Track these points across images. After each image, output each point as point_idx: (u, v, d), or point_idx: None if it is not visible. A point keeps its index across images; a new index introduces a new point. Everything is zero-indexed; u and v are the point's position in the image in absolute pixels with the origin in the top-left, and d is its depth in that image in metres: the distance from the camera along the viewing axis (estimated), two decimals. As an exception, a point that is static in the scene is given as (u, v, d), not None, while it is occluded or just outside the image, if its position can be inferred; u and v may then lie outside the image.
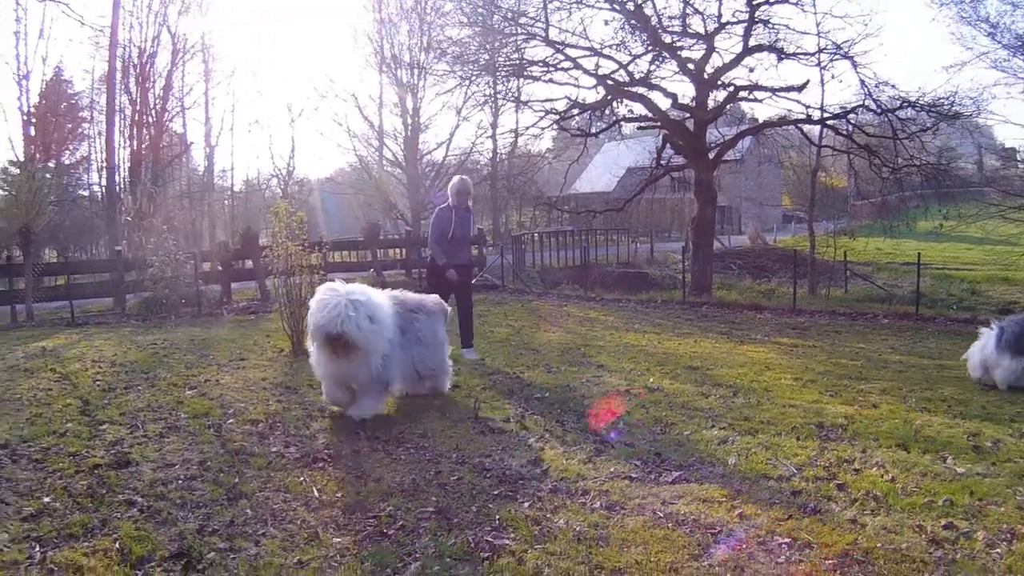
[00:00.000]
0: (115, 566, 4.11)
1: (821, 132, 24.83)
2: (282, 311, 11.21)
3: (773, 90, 23.18)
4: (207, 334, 13.42)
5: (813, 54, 22.98)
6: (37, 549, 4.29)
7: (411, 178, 43.14)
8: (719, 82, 23.84)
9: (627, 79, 24.27)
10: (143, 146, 37.17)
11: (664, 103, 24.64)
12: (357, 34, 72.22)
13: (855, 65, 22.12)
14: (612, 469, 5.83)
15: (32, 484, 5.30)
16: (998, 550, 4.35)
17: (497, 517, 4.89)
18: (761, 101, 24.37)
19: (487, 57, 26.22)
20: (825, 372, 10.13)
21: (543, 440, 6.66)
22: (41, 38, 35.09)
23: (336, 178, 55.01)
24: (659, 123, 24.89)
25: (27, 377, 9.27)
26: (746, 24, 22.79)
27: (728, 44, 23.88)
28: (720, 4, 23.16)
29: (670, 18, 23.80)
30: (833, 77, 29.17)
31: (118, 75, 35.56)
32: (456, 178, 11.16)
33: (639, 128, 29.44)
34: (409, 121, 43.58)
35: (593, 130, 26.49)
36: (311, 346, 7.39)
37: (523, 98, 30.91)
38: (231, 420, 7.13)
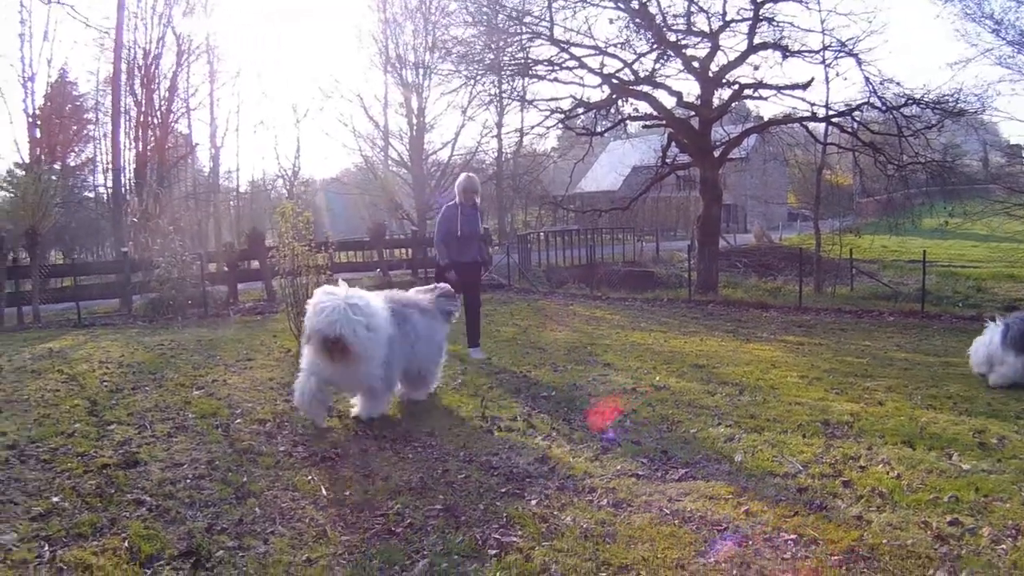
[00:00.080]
0: (124, 565, 4.13)
1: (826, 130, 24.82)
2: (289, 311, 11.23)
3: (778, 88, 23.19)
4: (214, 335, 13.44)
5: (818, 52, 22.99)
6: (46, 548, 4.30)
7: (416, 178, 43.16)
8: (724, 80, 23.85)
9: (632, 78, 24.28)
10: (148, 147, 37.19)
11: (669, 101, 24.68)
12: (362, 34, 72.10)
13: (859, 62, 22.14)
14: (619, 467, 5.85)
15: (41, 484, 5.31)
16: (1003, 546, 4.36)
17: (504, 514, 4.91)
18: (766, 99, 24.38)
19: (492, 56, 26.24)
20: (831, 370, 10.12)
21: (550, 438, 6.69)
22: (46, 40, 35.10)
23: (342, 178, 55.10)
24: (664, 122, 24.90)
25: (34, 378, 9.29)
26: (750, 22, 22.79)
27: (733, 42, 24.06)
28: (725, 2, 23.22)
29: (675, 16, 23.85)
30: (838, 75, 29.15)
31: (123, 77, 35.68)
32: (463, 175, 11.16)
33: (644, 127, 29.41)
34: (414, 121, 43.61)
35: (598, 129, 26.45)
36: (305, 349, 7.17)
37: (528, 97, 30.98)
38: (239, 420, 7.15)
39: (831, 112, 23.39)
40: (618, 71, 24.37)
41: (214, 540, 4.49)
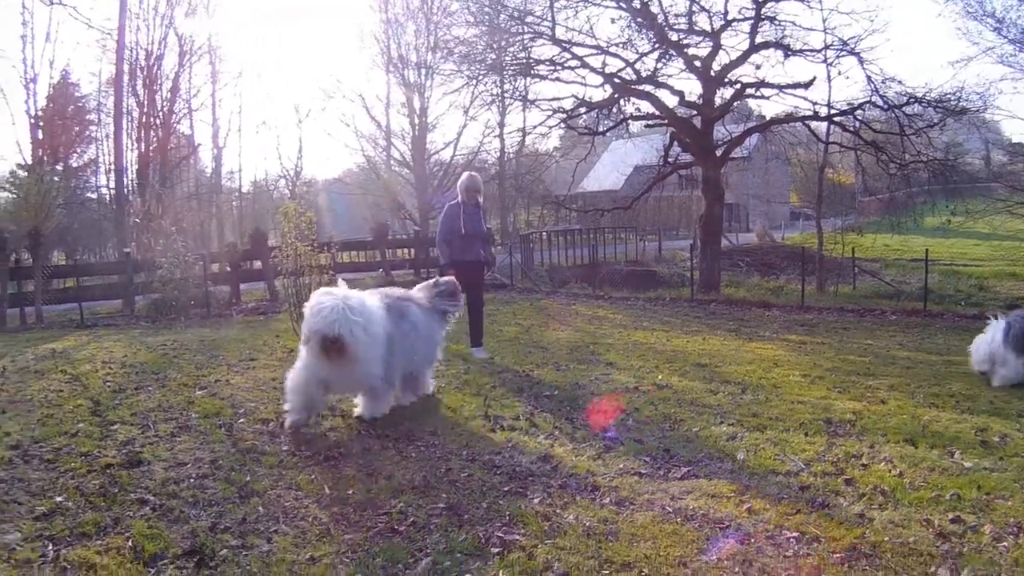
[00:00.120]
0: (128, 564, 4.14)
1: (828, 129, 24.80)
2: (291, 311, 11.26)
3: (780, 87, 23.23)
4: (217, 335, 13.46)
5: (819, 51, 23.02)
6: (50, 547, 4.31)
7: (419, 178, 43.19)
8: (726, 79, 23.87)
9: (634, 77, 24.31)
10: (151, 148, 37.24)
11: (671, 101, 24.70)
12: (364, 34, 72.16)
13: (861, 61, 22.18)
14: (621, 465, 5.86)
15: (44, 484, 5.32)
16: (1005, 543, 4.37)
17: (507, 513, 4.92)
18: (768, 98, 24.41)
19: (494, 56, 26.28)
20: (833, 368, 10.14)
21: (553, 437, 6.70)
22: (48, 41, 35.08)
23: (344, 179, 55.17)
24: (666, 121, 24.93)
25: (38, 378, 9.31)
26: (752, 21, 22.82)
27: (735, 41, 24.07)
28: (726, 1, 23.29)
29: (676, 16, 23.87)
30: (840, 73, 29.06)
31: (125, 77, 35.71)
32: (465, 174, 11.17)
33: (646, 126, 29.44)
34: (416, 121, 43.63)
35: (600, 128, 26.48)
36: (303, 352, 7.00)
37: (530, 97, 31.02)
38: (242, 419, 7.16)
39: (833, 111, 23.40)
40: (620, 70, 24.41)
41: (218, 539, 4.51)
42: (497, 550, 4.39)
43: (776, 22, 22.85)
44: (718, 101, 24.10)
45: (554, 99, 26.38)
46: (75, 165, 42.07)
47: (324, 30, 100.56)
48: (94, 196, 44.70)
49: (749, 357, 11.01)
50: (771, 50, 23.15)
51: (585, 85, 25.32)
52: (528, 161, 42.45)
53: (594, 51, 24.41)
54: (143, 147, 37.19)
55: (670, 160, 25.92)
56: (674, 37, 23.75)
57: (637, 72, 24.33)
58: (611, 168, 61.74)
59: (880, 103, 22.32)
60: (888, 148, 22.72)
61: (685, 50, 23.87)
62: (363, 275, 21.00)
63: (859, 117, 23.29)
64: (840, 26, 29.62)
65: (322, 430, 6.88)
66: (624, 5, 23.63)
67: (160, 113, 38.37)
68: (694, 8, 23.52)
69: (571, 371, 9.82)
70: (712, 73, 23.63)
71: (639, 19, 23.47)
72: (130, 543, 4.37)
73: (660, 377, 9.38)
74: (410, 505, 5.05)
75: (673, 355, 11.15)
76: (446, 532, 4.64)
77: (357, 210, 51.17)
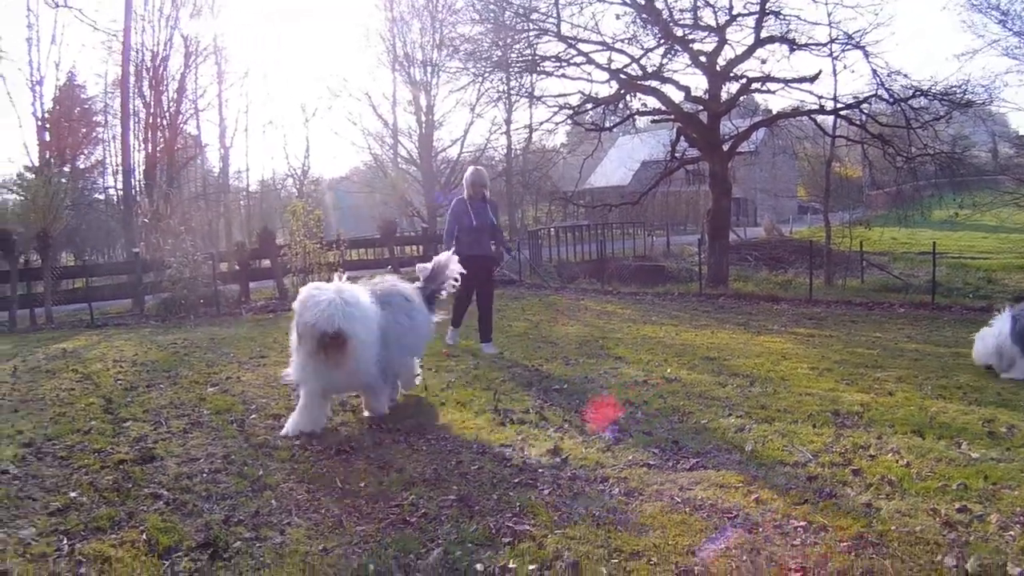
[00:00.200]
0: (143, 556, 4.19)
1: (835, 122, 24.74)
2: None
3: (786, 81, 23.16)
4: (227, 333, 13.53)
5: (825, 44, 22.94)
6: (65, 542, 4.37)
7: (426, 175, 43.27)
8: (731, 74, 23.81)
9: (640, 73, 24.27)
10: (158, 149, 37.31)
11: (677, 96, 24.65)
12: (369, 33, 72.10)
13: (867, 55, 22.09)
14: (630, 457, 5.89)
15: (58, 480, 5.40)
16: (1011, 532, 4.39)
17: (518, 504, 4.96)
18: (774, 92, 24.43)
19: (500, 53, 26.25)
20: (841, 361, 10.14)
21: (562, 430, 6.73)
22: (53, 44, 35.44)
23: (351, 177, 55.19)
24: (673, 116, 24.90)
25: (49, 378, 9.41)
26: (757, 16, 22.76)
27: (740, 36, 24.05)
28: (731, -4, 23.18)
29: (681, 11, 23.79)
30: (845, 67, 29.00)
31: (131, 79, 35.79)
32: (470, 169, 11.19)
33: (653, 121, 29.45)
34: (423, 119, 43.73)
35: (607, 124, 26.45)
36: (297, 353, 6.71)
37: (536, 93, 31.13)
38: (253, 415, 7.23)
39: (839, 105, 23.32)
40: (626, 66, 24.38)
41: (231, 531, 4.55)
42: (508, 540, 4.42)
43: (781, 16, 22.80)
44: (724, 96, 24.05)
45: (560, 95, 26.58)
46: (82, 167, 42.25)
47: (329, 29, 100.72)
48: (102, 197, 44.84)
49: (757, 350, 11.03)
50: (776, 44, 23.09)
51: (591, 81, 25.44)
52: (535, 157, 42.39)
53: (600, 47, 24.40)
54: (150, 148, 37.27)
55: (677, 155, 25.88)
56: (679, 32, 23.71)
57: (643, 68, 24.31)
58: (618, 164, 61.65)
59: (886, 96, 22.25)
60: (895, 141, 22.65)
61: (690, 45, 23.84)
62: (372, 272, 21.06)
63: (865, 110, 23.23)
64: (845, 20, 29.75)
65: (333, 424, 6.91)
66: (629, 1, 23.61)
67: (167, 114, 38.44)
68: (699, 3, 23.46)
69: (580, 365, 9.87)
70: (718, 68, 23.59)
71: (644, 15, 23.44)
72: (144, 536, 4.42)
73: (669, 371, 9.42)
74: (421, 497, 5.10)
75: (682, 349, 11.17)
76: (457, 523, 4.67)
77: (364, 208, 51.26)
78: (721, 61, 23.58)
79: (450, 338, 11.08)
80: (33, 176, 28.02)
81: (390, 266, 22.53)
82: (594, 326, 13.92)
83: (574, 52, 24.50)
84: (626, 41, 24.30)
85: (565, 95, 26.06)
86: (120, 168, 38.24)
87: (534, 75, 28.48)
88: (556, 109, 26.15)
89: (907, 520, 4.59)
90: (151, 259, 20.17)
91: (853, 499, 4.97)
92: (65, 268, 25.37)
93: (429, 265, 8.76)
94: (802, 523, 4.56)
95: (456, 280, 8.84)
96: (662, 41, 23.88)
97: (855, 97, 23.19)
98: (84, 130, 41.36)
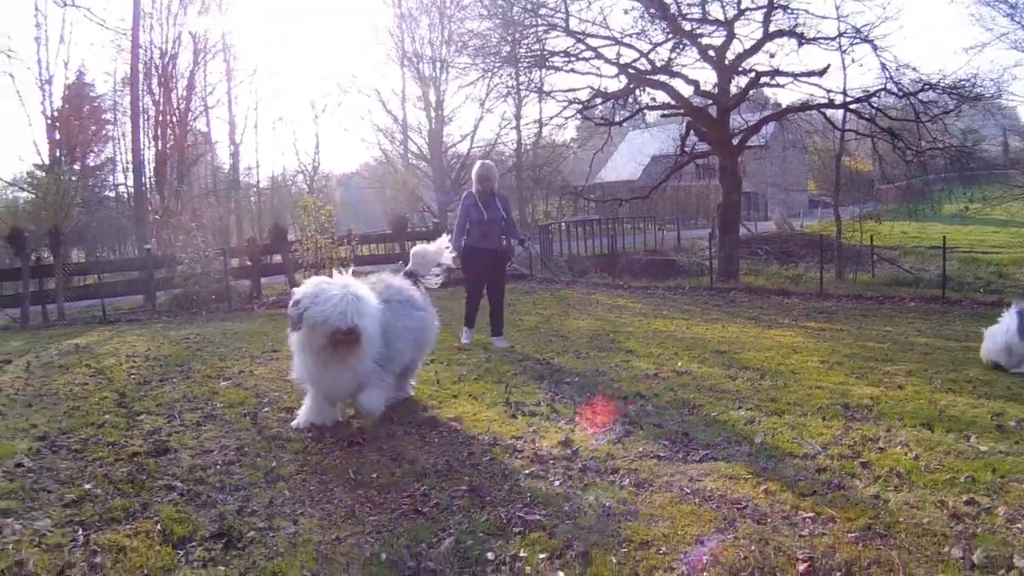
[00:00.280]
0: (157, 546, 4.23)
1: (844, 116, 24.76)
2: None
3: (794, 75, 23.20)
4: (239, 328, 13.59)
5: (833, 38, 22.97)
6: (80, 532, 4.41)
7: (436, 171, 43.29)
8: (740, 68, 23.85)
9: (649, 67, 24.32)
10: (168, 146, 37.40)
11: (686, 90, 24.72)
12: (378, 29, 72.19)
13: (875, 48, 22.15)
14: (641, 449, 5.91)
15: (73, 472, 5.45)
16: (1018, 525, 4.40)
17: (528, 495, 4.98)
18: (783, 86, 24.34)
19: (508, 49, 26.33)
20: (852, 355, 10.15)
21: (573, 422, 6.75)
22: (62, 43, 35.31)
23: (362, 172, 55.24)
24: (682, 110, 24.94)
25: (62, 373, 9.47)
26: (765, 9, 22.78)
27: (748, 30, 24.03)
28: (739, -11, 23.19)
29: (689, 5, 23.83)
30: (854, 61, 29.10)
31: (140, 77, 35.89)
32: (478, 163, 11.23)
33: (663, 116, 29.41)
34: (433, 114, 43.74)
35: (617, 119, 26.52)
36: (302, 351, 6.44)
37: (546, 88, 31.00)
38: (266, 408, 7.27)
39: (848, 99, 23.35)
40: (634, 61, 24.43)
41: (245, 522, 4.59)
42: (518, 530, 4.45)
43: (789, 10, 22.81)
44: (733, 90, 24.08)
45: (570, 90, 26.34)
46: (92, 164, 42.33)
47: (337, 26, 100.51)
48: (112, 195, 44.98)
49: (768, 344, 11.05)
50: (785, 38, 23.13)
51: (600, 76, 25.38)
52: (545, 152, 42.29)
53: (608, 42, 24.46)
54: (160, 145, 37.36)
55: (687, 149, 25.91)
56: (687, 27, 23.74)
57: (652, 62, 24.35)
58: (628, 158, 61.62)
59: (895, 90, 22.28)
60: (904, 135, 22.66)
61: (699, 39, 23.87)
62: (383, 267, 21.11)
63: (874, 104, 23.25)
64: (853, 13, 29.48)
65: (346, 417, 6.94)
66: (637, -5, 23.66)
67: (176, 111, 38.50)
68: (707, -3, 23.56)
69: (591, 359, 9.90)
70: (726, 62, 23.61)
71: (652, 9, 23.46)
72: (159, 527, 4.46)
73: (680, 364, 9.43)
74: (433, 488, 5.13)
75: (693, 342, 11.19)
76: (468, 513, 4.70)
77: (375, 204, 51.27)
78: (730, 55, 23.63)
79: (465, 338, 11.06)
80: (43, 174, 28.17)
81: (401, 261, 22.61)
82: (605, 320, 13.95)
83: (583, 47, 24.57)
84: (634, 36, 24.40)
85: (574, 90, 25.86)
86: (130, 165, 38.44)
87: (543, 70, 28.50)
88: (565, 104, 26.23)
89: (915, 512, 4.60)
90: (162, 255, 20.27)
91: (861, 491, 4.97)
92: (77, 265, 25.59)
93: (417, 249, 8.44)
94: (810, 514, 4.58)
95: (442, 267, 8.62)
96: (670, 35, 23.93)
97: (864, 91, 23.25)
98: (94, 128, 41.43)
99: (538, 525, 4.50)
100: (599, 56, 24.57)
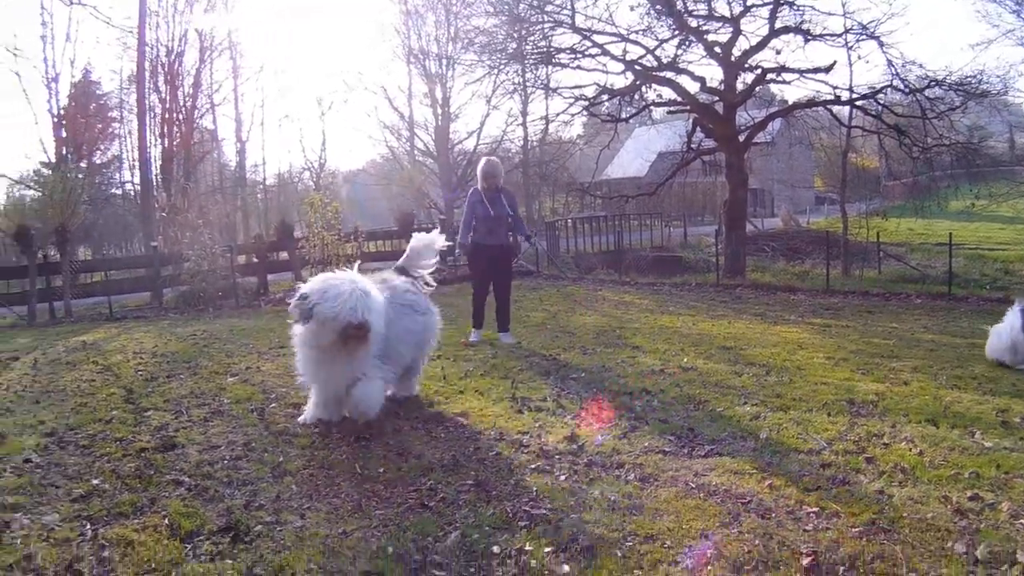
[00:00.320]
0: (165, 540, 4.27)
1: (850, 113, 24.70)
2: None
3: (800, 72, 23.14)
4: (246, 324, 13.64)
5: (839, 35, 22.91)
6: (88, 527, 4.46)
7: (443, 167, 43.28)
8: (746, 65, 23.80)
9: (655, 64, 24.27)
10: (174, 143, 37.45)
11: (693, 87, 24.65)
12: (384, 26, 72.15)
13: (881, 45, 22.07)
14: (646, 444, 5.95)
15: (80, 468, 5.50)
16: (1022, 520, 4.42)
17: (534, 489, 5.02)
18: (789, 83, 24.43)
19: (514, 46, 26.28)
20: (857, 351, 10.16)
21: (579, 418, 6.79)
22: (68, 41, 35.66)
23: (368, 169, 55.31)
24: (688, 107, 24.88)
25: (69, 369, 9.52)
26: (771, 6, 22.72)
27: (754, 27, 23.83)
28: (745, -14, 23.16)
29: (695, 1, 23.77)
30: (860, 58, 29.07)
31: (147, 74, 35.97)
32: (483, 160, 11.20)
33: (669, 112, 29.39)
34: (439, 111, 43.73)
35: (623, 115, 26.43)
36: (306, 345, 6.37)
37: (552, 85, 30.94)
38: (273, 404, 7.31)
39: (854, 95, 23.31)
40: (641, 57, 24.38)
41: (252, 516, 4.63)
42: (524, 523, 4.48)
43: (795, 7, 22.72)
44: (740, 86, 24.03)
45: (576, 87, 26.34)
46: (98, 162, 42.43)
47: (345, 23, 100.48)
48: (119, 192, 45.08)
49: (774, 340, 11.06)
50: (791, 35, 23.04)
51: (606, 72, 25.33)
52: (552, 149, 42.39)
53: (614, 38, 24.41)
54: (167, 142, 37.40)
55: (693, 146, 25.85)
56: (693, 23, 23.70)
57: (658, 59, 24.31)
58: (635, 155, 61.63)
59: (901, 87, 22.23)
60: (910, 132, 22.60)
61: (705, 36, 23.82)
62: (390, 264, 21.12)
63: (881, 101, 23.21)
64: (859, 10, 29.56)
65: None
66: (643, -8, 23.64)
67: (183, 108, 38.53)
68: (713, -7, 23.54)
69: (598, 354, 9.92)
70: (732, 59, 23.56)
71: (658, 5, 23.42)
72: (167, 521, 4.51)
73: (686, 360, 9.46)
74: (440, 482, 5.17)
75: (699, 339, 11.21)
76: (474, 507, 4.74)
77: (381, 200, 51.32)
78: (736, 52, 23.56)
79: (473, 337, 11.05)
80: (50, 172, 28.21)
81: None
82: (611, 316, 13.97)
83: (589, 44, 24.52)
84: (640, 32, 24.33)
85: (581, 86, 25.83)
86: (137, 163, 38.56)
87: (549, 67, 28.53)
88: (572, 100, 26.17)
89: (919, 507, 4.62)
90: (169, 252, 20.33)
91: (866, 486, 5.00)
92: (84, 262, 25.62)
93: (414, 243, 8.31)
94: (815, 509, 4.61)
95: (436, 262, 8.46)
96: (676, 32, 23.89)
97: (871, 87, 23.19)
98: (100, 126, 41.55)
99: (543, 519, 4.54)
100: (605, 53, 24.55)
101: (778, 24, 22.82)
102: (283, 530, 4.44)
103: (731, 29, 23.45)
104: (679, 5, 23.24)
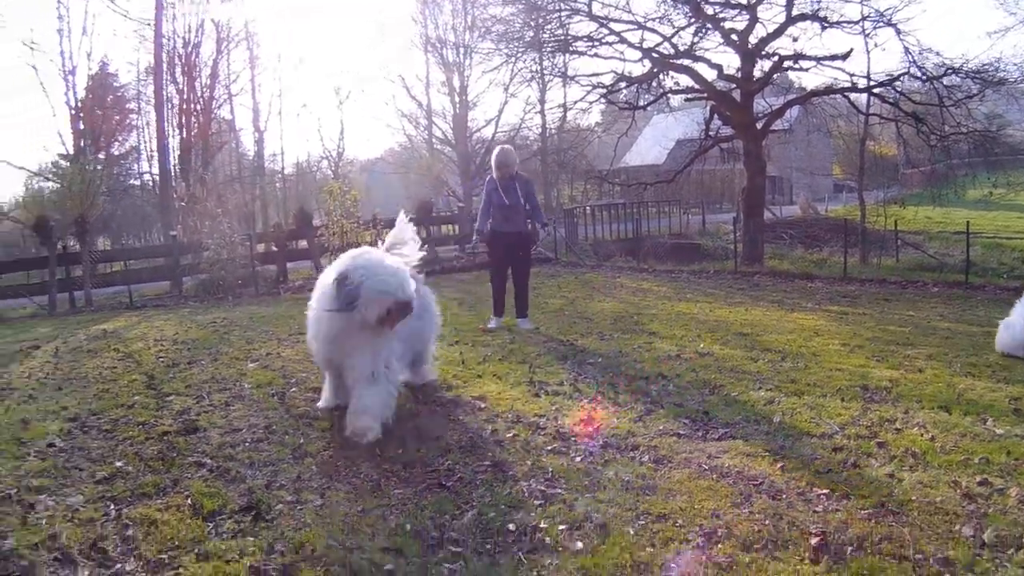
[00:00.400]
0: (188, 519, 4.37)
1: (868, 100, 24.63)
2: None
3: (817, 59, 23.11)
4: (265, 311, 13.73)
5: (856, 22, 22.84)
6: (112, 507, 4.56)
7: (461, 155, 43.34)
8: (763, 52, 23.77)
9: (672, 51, 24.28)
10: (192, 134, 37.60)
11: (710, 74, 24.63)
12: (402, 16, 72.13)
13: (898, 32, 22.01)
14: (661, 427, 6.01)
15: (104, 451, 5.60)
16: (1030, 506, 4.47)
17: (550, 470, 5.09)
18: (806, 70, 24.29)
19: (532, 34, 26.31)
20: (873, 338, 10.17)
21: (595, 401, 6.84)
22: (84, 34, 35.65)
23: (386, 158, 55.33)
24: (706, 95, 24.88)
25: (91, 357, 9.62)
26: (788, -7, 22.72)
27: (771, 14, 23.92)
28: (762, -27, 23.12)
29: (712, -11, 23.78)
30: (877, 45, 28.81)
31: (164, 66, 36.15)
32: (496, 149, 11.20)
33: (686, 100, 29.30)
34: (457, 99, 43.75)
35: (641, 103, 26.44)
36: (336, 328, 5.88)
37: (570, 73, 31.03)
38: (294, 389, 7.39)
39: (872, 83, 23.26)
40: (658, 45, 24.39)
41: (273, 495, 4.73)
42: (539, 502, 4.56)
43: (812, -6, 22.75)
44: (757, 74, 24.01)
45: (593, 75, 26.35)
46: (117, 153, 42.58)
47: (362, 12, 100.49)
48: (137, 183, 45.26)
49: (790, 327, 11.09)
50: (808, 22, 22.99)
51: (624, 60, 25.34)
52: (570, 136, 42.27)
53: (632, 26, 24.41)
54: (185, 133, 37.57)
55: (711, 133, 25.86)
56: (710, 11, 23.67)
57: (675, 46, 24.31)
58: (653, 142, 61.44)
59: (918, 74, 22.16)
60: (928, 119, 22.54)
61: (722, 23, 23.80)
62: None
63: (898, 88, 23.14)
64: (876, -3, 29.29)
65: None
66: (660, -21, 23.64)
67: (200, 99, 38.68)
68: (729, -19, 23.50)
69: (615, 340, 9.98)
70: (749, 46, 23.54)
71: (675, -7, 23.47)
72: (189, 501, 4.60)
73: (702, 345, 9.51)
74: (457, 463, 5.24)
75: (715, 325, 11.24)
76: (491, 487, 4.82)
77: (399, 189, 51.36)
78: (753, 39, 23.55)
79: (493, 324, 11.08)
80: (68, 164, 28.39)
81: (426, 245, 22.72)
82: (629, 303, 14.01)
83: (606, 31, 24.54)
84: (657, 20, 24.35)
85: (598, 74, 25.82)
86: (155, 154, 38.75)
87: (567, 55, 28.51)
88: (589, 88, 26.20)
89: (928, 491, 4.67)
90: (188, 241, 20.46)
91: (877, 470, 5.05)
92: (103, 252, 25.88)
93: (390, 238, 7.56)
94: (825, 491, 4.66)
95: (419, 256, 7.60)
96: (693, 19, 23.88)
97: (888, 75, 23.13)
98: (117, 117, 41.67)
99: (558, 499, 4.61)
100: (622, 40, 24.56)
101: (795, 11, 22.79)
102: (303, 509, 4.53)
103: (748, 16, 23.43)
104: (696, -8, 23.23)
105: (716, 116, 25.01)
